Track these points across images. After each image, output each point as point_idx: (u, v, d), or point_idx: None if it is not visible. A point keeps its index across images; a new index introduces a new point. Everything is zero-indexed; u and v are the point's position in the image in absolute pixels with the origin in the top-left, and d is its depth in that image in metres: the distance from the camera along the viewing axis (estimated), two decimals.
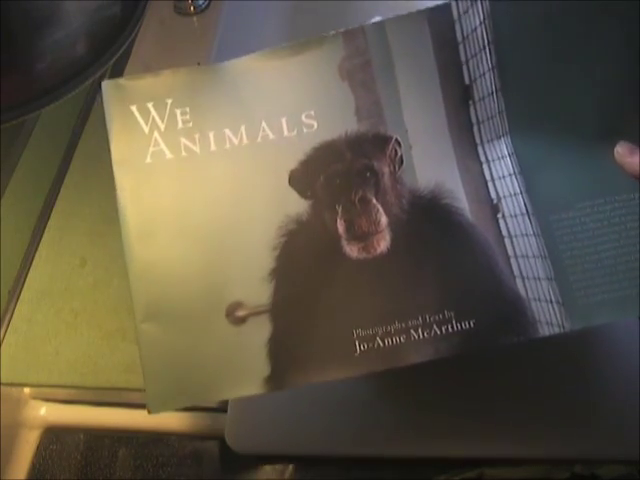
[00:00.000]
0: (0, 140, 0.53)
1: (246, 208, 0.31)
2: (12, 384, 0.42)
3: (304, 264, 0.30)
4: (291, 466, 0.41)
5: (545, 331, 0.28)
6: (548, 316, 0.28)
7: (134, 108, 0.32)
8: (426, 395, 0.38)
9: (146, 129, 0.32)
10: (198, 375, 0.30)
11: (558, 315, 0.28)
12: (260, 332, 0.30)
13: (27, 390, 0.43)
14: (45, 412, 0.43)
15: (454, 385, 0.38)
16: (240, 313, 0.30)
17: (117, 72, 0.58)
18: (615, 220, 0.29)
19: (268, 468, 0.42)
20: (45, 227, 0.51)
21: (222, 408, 0.40)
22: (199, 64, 0.56)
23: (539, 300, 0.29)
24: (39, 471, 0.42)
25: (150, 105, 0.32)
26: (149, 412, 0.29)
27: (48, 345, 0.43)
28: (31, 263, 0.49)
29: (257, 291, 0.30)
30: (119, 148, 0.32)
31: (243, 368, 0.29)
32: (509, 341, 0.28)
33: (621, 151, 0.29)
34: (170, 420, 0.41)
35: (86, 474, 0.42)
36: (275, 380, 0.29)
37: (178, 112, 0.32)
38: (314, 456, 0.37)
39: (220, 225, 0.31)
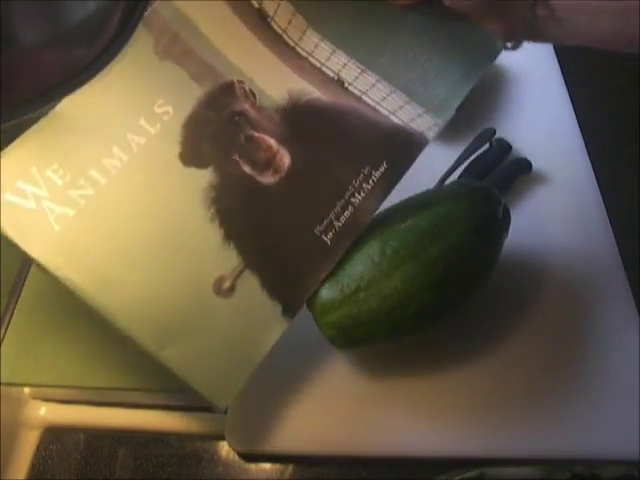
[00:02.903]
0: (0, 140, 0.53)
1: (168, 210, 0.32)
2: (12, 384, 0.42)
3: (241, 214, 0.34)
4: (291, 466, 0.41)
5: (429, 135, 0.36)
6: (424, 125, 0.37)
7: (8, 196, 0.30)
8: (426, 395, 0.38)
9: (33, 205, 0.30)
10: (232, 357, 0.32)
11: (429, 119, 0.37)
12: (252, 285, 0.33)
13: (27, 390, 0.43)
14: (45, 412, 0.43)
15: (454, 385, 0.38)
16: (226, 284, 0.33)
17: None
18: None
19: (268, 468, 0.42)
20: None
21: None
22: None
23: (412, 120, 0.37)
24: (39, 471, 0.42)
25: (20, 183, 0.30)
26: (217, 410, 0.32)
27: (48, 345, 0.43)
28: (31, 263, 0.49)
29: (225, 259, 0.33)
30: (25, 236, 0.30)
31: (260, 320, 0.33)
32: (416, 155, 0.36)
33: None
34: (170, 420, 0.41)
35: (86, 474, 0.42)
36: (289, 309, 0.33)
37: (49, 172, 0.31)
38: (314, 456, 0.37)
39: (160, 238, 0.32)
